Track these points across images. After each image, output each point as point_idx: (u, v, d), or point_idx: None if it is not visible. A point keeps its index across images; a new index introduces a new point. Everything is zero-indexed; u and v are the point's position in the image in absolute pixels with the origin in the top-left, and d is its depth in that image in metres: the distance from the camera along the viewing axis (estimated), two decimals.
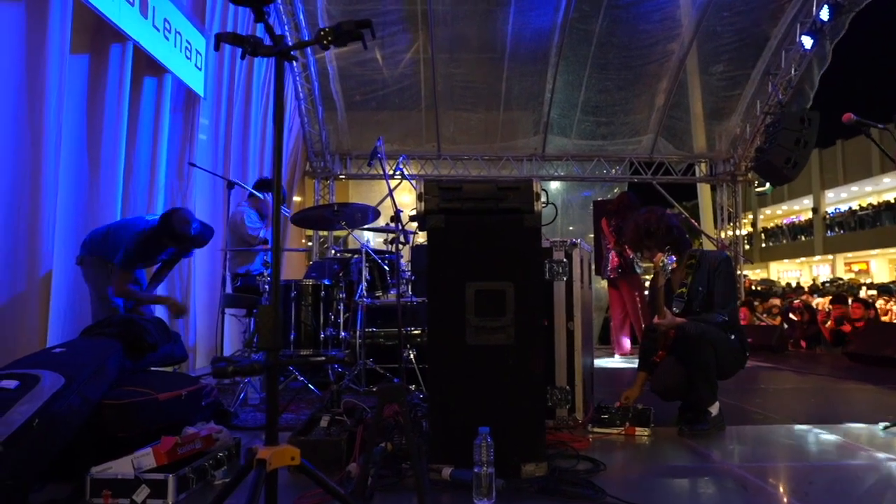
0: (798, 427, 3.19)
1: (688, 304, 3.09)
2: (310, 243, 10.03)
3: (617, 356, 6.74)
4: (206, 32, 5.52)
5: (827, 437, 2.98)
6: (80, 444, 2.12)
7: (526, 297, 2.27)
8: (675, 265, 3.00)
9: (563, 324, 3.07)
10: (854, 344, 6.08)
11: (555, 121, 9.62)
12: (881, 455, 2.61)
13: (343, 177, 10.13)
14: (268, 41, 1.54)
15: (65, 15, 3.59)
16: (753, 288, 22.81)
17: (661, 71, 9.13)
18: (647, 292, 6.49)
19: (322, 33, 1.45)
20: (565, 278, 3.08)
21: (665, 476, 2.44)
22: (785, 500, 2.12)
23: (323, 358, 2.30)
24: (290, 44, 1.41)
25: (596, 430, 2.99)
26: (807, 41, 8.23)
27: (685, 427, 2.98)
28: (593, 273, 3.60)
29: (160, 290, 4.42)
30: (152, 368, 2.70)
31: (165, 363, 2.82)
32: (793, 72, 8.75)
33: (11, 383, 1.99)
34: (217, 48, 1.53)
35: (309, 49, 8.55)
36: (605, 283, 7.49)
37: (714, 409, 3.02)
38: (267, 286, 3.73)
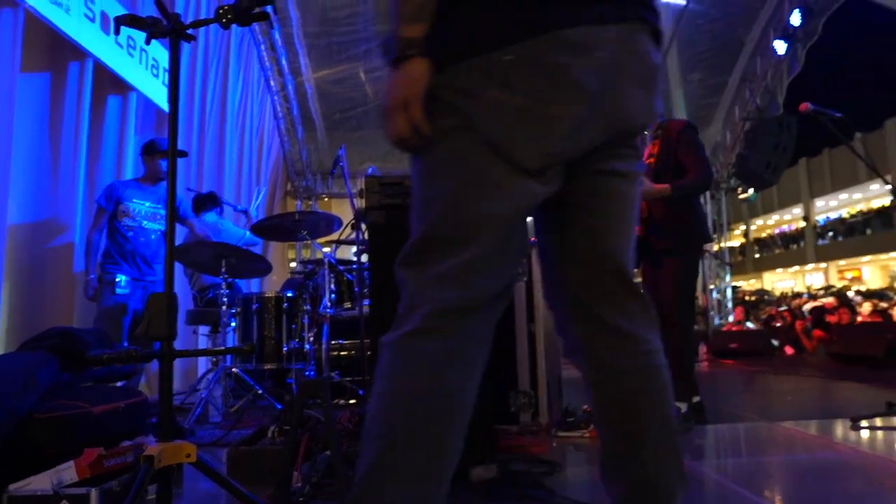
0: (769, 424, 3.10)
1: (657, 174, 3.12)
2: (293, 264, 9.96)
3: None
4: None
5: (795, 432, 2.90)
6: (8, 461, 2.02)
7: None
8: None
9: (523, 326, 2.99)
10: (837, 345, 6.01)
11: None
12: (845, 447, 2.53)
13: (326, 197, 10.10)
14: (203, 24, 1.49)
15: (16, 30, 3.55)
16: (746, 298, 22.83)
17: None
18: None
19: (221, 11, 1.40)
20: (525, 279, 3.01)
21: None
22: (738, 493, 2.03)
23: (223, 349, 2.22)
24: (186, 22, 1.36)
25: (561, 433, 2.90)
26: (780, 46, 8.28)
27: None
28: None
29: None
30: (98, 384, 2.60)
31: (113, 377, 2.73)
32: (768, 77, 8.79)
33: None
34: (118, 32, 1.47)
35: (286, 69, 8.57)
36: None
37: (684, 406, 2.95)
38: (225, 299, 3.64)
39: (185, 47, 5.94)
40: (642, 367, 1.08)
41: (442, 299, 0.98)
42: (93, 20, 4.20)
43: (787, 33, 8.27)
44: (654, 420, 1.06)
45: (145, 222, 3.88)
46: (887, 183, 3.17)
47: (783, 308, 11.58)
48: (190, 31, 1.43)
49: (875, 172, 3.10)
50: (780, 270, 34.64)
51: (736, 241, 37.15)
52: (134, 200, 3.84)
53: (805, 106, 3.07)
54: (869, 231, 26.68)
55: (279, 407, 3.54)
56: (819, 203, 30.75)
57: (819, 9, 8.13)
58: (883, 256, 26.69)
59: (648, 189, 3.02)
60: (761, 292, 29.09)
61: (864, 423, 2.93)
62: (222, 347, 3.95)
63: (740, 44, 8.91)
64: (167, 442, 1.31)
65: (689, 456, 2.53)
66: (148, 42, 1.48)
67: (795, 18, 8.07)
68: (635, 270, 3.64)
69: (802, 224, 31.73)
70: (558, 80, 0.97)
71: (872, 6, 10.73)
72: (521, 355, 2.97)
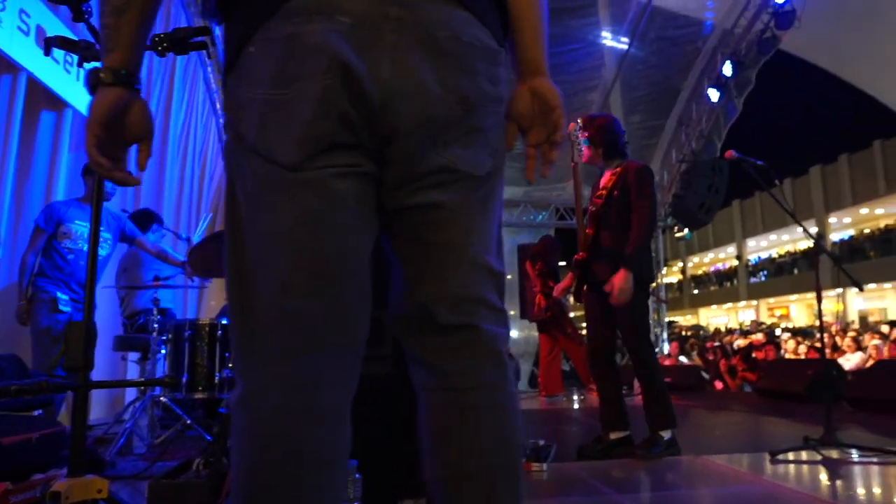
0: (694, 457, 3.19)
1: (604, 205, 3.28)
2: None
3: (545, 398, 6.71)
4: None
5: (718, 465, 2.99)
6: None
7: None
8: (580, 149, 3.31)
9: None
10: (763, 381, 6.26)
11: None
12: (764, 480, 2.63)
13: None
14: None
15: None
16: (683, 333, 23.56)
17: None
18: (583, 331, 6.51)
19: (156, 39, 1.39)
20: None
21: None
22: None
23: (142, 380, 2.14)
24: None
25: None
26: (713, 94, 8.73)
27: (641, 450, 3.12)
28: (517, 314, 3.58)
29: None
30: (10, 413, 2.47)
31: (28, 406, 2.60)
32: (703, 123, 9.24)
33: None
34: (48, 53, 1.44)
35: None
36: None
37: (667, 434, 3.14)
38: (156, 325, 3.53)
39: None
40: (452, 402, 0.94)
41: (264, 345, 0.86)
42: (27, 34, 4.08)
43: (720, 82, 8.74)
44: (464, 462, 0.93)
45: (87, 245, 3.71)
46: (805, 230, 3.36)
47: (717, 344, 11.98)
48: None
49: (793, 218, 3.28)
50: (714, 307, 35.92)
51: (673, 277, 38.43)
52: (76, 222, 3.70)
53: (730, 153, 3.25)
54: (796, 271, 28.02)
55: (209, 438, 3.43)
56: (751, 243, 32.21)
57: (749, 61, 8.63)
58: (809, 295, 28.00)
59: (620, 286, 3.09)
60: (697, 327, 30.06)
61: (787, 457, 3.06)
62: (144, 378, 3.83)
63: (677, 90, 9.35)
64: (78, 477, 1.25)
65: (615, 489, 2.58)
66: (80, 65, 1.46)
67: (727, 69, 8.54)
68: (573, 303, 3.80)
69: (735, 262, 33.11)
70: (292, 51, 0.85)
71: (802, 62, 11.46)
72: None
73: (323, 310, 0.87)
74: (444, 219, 0.92)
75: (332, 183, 0.86)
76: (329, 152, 0.86)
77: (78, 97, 4.73)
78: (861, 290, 3.26)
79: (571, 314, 7.03)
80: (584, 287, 3.37)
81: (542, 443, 3.20)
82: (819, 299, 3.30)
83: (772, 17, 8.03)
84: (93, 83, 0.94)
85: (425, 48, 0.87)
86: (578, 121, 3.35)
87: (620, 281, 3.08)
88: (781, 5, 7.79)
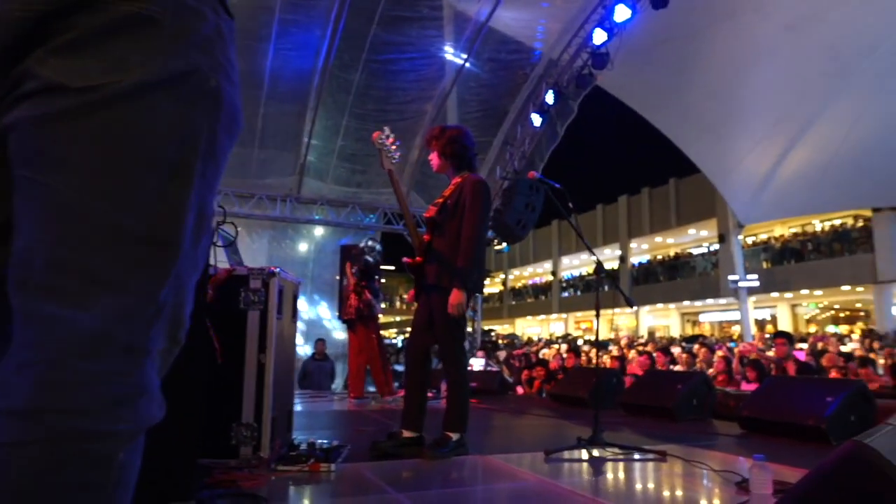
0: (481, 457, 3.38)
1: (439, 213, 3.38)
2: None
3: (353, 399, 6.71)
4: None
5: (499, 464, 3.20)
6: None
7: None
8: (392, 156, 3.38)
9: (254, 356, 2.91)
10: (558, 387, 6.80)
11: (311, 164, 9.64)
12: (535, 477, 2.86)
13: None
14: None
15: None
16: (500, 341, 24.97)
17: (415, 128, 9.70)
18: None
19: None
20: (260, 308, 2.95)
21: None
22: None
23: None
24: None
25: (281, 467, 2.85)
26: (536, 119, 9.39)
27: (429, 451, 3.19)
28: (296, 307, 3.52)
29: None
30: None
31: None
32: (526, 144, 9.89)
33: None
34: None
35: None
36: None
37: (455, 436, 3.25)
38: None
39: None
40: None
41: None
42: None
43: (543, 109, 9.42)
44: None
45: None
46: (592, 252, 3.72)
47: (524, 353, 12.82)
48: None
49: (582, 241, 3.62)
50: (530, 317, 38.47)
51: (495, 287, 40.56)
52: None
53: (532, 174, 3.52)
54: (601, 289, 30.88)
55: None
56: (565, 260, 35.01)
57: (570, 93, 9.40)
58: (609, 312, 30.94)
59: (452, 303, 3.20)
60: (512, 336, 32.01)
61: (560, 455, 3.35)
62: None
63: (505, 111, 9.93)
64: None
65: (396, 488, 2.65)
66: None
67: (550, 98, 9.23)
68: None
69: (551, 278, 35.78)
70: None
71: (617, 101, 12.68)
72: (247, 387, 2.88)
73: None
74: (31, 143, 0.70)
75: None
76: None
77: None
78: (632, 307, 3.67)
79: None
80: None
81: (335, 443, 3.20)
82: (598, 315, 3.68)
83: (590, 56, 8.82)
84: None
85: None
86: (385, 129, 3.42)
87: (453, 298, 3.21)
88: (598, 47, 8.59)
